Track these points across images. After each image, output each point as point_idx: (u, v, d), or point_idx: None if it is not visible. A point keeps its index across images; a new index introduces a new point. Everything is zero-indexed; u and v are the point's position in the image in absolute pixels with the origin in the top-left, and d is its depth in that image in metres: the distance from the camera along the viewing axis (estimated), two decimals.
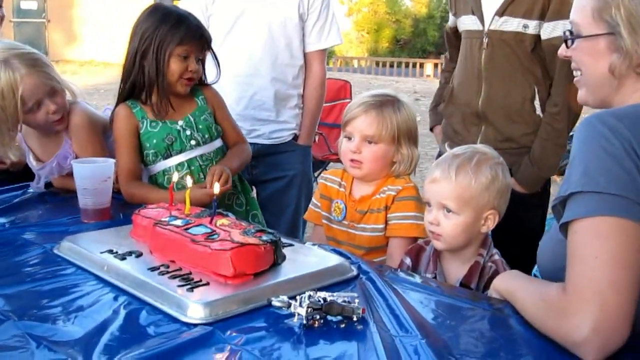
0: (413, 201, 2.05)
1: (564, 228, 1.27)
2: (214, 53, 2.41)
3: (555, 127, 2.44)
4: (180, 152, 2.28)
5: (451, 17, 2.80)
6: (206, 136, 2.31)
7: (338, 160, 5.86)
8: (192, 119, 2.30)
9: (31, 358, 1.16)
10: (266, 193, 2.98)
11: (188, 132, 2.28)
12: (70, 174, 2.18)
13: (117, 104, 2.31)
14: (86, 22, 21.38)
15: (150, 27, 2.20)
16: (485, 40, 2.49)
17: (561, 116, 2.44)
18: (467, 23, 2.59)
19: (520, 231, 2.30)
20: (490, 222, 1.79)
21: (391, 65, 22.28)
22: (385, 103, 2.07)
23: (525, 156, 2.49)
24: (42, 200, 2.32)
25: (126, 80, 2.27)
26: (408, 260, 1.91)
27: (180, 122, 2.28)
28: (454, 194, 1.73)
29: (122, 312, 1.35)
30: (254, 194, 2.83)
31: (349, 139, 2.10)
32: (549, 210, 2.50)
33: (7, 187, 2.40)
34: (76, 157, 2.30)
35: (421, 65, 21.98)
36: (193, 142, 2.29)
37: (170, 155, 2.28)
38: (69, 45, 21.27)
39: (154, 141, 2.26)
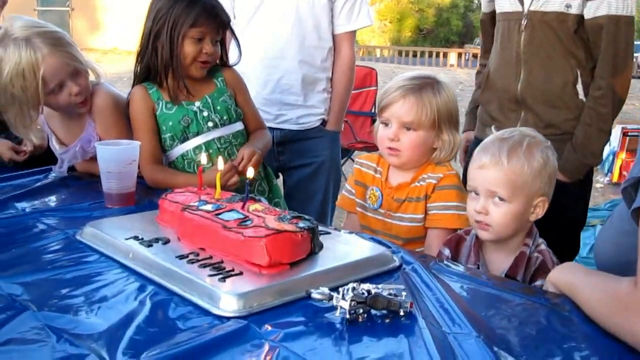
0: (455, 190, 1.94)
1: (636, 214, 1.15)
2: (234, 34, 2.32)
3: (599, 112, 2.34)
4: (197, 134, 2.18)
5: (485, 2, 2.68)
6: (224, 118, 2.21)
7: (363, 149, 5.78)
8: (209, 100, 2.21)
9: (51, 353, 1.06)
10: (293, 180, 2.89)
11: (205, 114, 2.19)
12: (93, 158, 2.10)
13: (132, 86, 2.24)
14: (110, 11, 21.45)
15: (164, 6, 2.12)
16: (524, 22, 2.38)
17: (605, 100, 2.33)
18: (504, 5, 2.48)
19: (562, 220, 2.19)
20: (539, 210, 1.68)
21: (414, 55, 22.09)
22: (424, 86, 1.95)
23: (567, 143, 2.37)
24: (64, 185, 2.25)
25: (140, 62, 2.20)
26: (447, 251, 1.81)
27: (197, 103, 2.19)
28: (506, 181, 1.62)
29: (149, 303, 1.25)
30: (278, 181, 2.74)
31: (386, 125, 1.99)
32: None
33: (28, 170, 2.33)
34: (100, 140, 2.22)
35: (444, 55, 21.76)
36: (210, 124, 2.19)
37: (187, 139, 2.19)
38: (93, 34, 21.34)
39: (170, 123, 2.18)
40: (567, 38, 2.34)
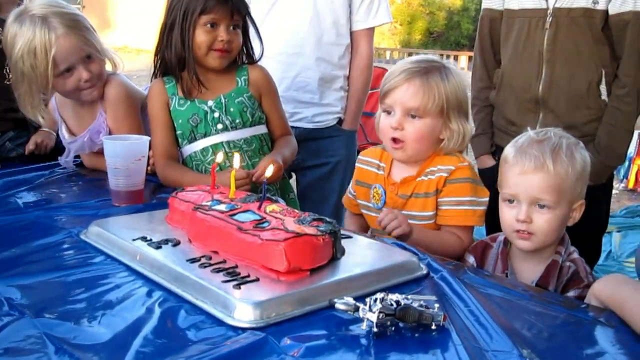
0: (468, 183, 1.78)
1: None
2: (254, 23, 2.18)
3: (624, 110, 2.29)
4: (205, 135, 2.08)
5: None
6: (237, 121, 2.08)
7: None
8: (223, 100, 2.08)
9: None
10: (307, 180, 2.79)
11: (216, 114, 2.07)
12: (101, 152, 2.01)
13: (151, 80, 2.16)
14: (120, 8, 21.45)
15: None
16: (549, 20, 2.30)
17: (630, 98, 2.28)
18: (526, 1, 2.38)
19: (585, 224, 2.10)
20: (577, 214, 1.61)
21: None
22: (431, 70, 1.79)
23: (588, 145, 2.27)
24: (70, 181, 2.17)
25: (157, 55, 2.11)
26: (472, 259, 1.71)
27: (210, 102, 2.08)
28: (552, 186, 1.52)
29: (157, 311, 1.15)
30: (291, 181, 2.64)
31: (389, 113, 1.82)
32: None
33: (33, 166, 2.25)
34: (110, 133, 2.17)
35: (455, 58, 21.53)
36: (220, 126, 2.07)
37: (195, 139, 2.09)
38: (103, 31, 21.30)
39: (180, 121, 2.09)
40: (593, 35, 2.27)
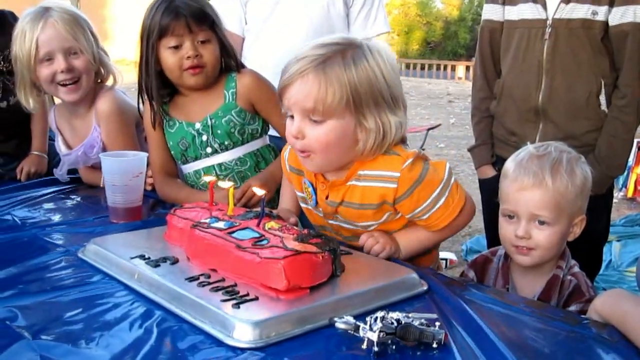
0: (425, 180, 1.50)
1: None
2: (223, 37, 2.01)
3: (624, 121, 2.29)
4: (196, 159, 2.05)
5: (495, 10, 2.53)
6: (226, 143, 2.02)
7: None
8: (210, 122, 2.00)
9: None
10: None
11: (204, 138, 2.01)
12: (98, 168, 2.00)
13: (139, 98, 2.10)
14: (118, 21, 21.44)
15: (144, 19, 1.95)
16: (548, 30, 2.30)
17: (630, 108, 2.28)
18: (524, 12, 2.39)
19: (586, 234, 2.09)
20: (577, 229, 1.59)
21: (422, 68, 21.97)
22: (332, 57, 1.44)
23: (588, 155, 2.27)
24: (67, 198, 2.16)
25: (139, 82, 2.03)
26: (472, 274, 1.69)
27: (198, 125, 2.01)
28: (552, 202, 1.50)
29: (155, 331, 1.14)
30: None
31: (291, 117, 1.52)
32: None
33: (29, 182, 2.23)
34: (104, 148, 2.16)
35: (452, 68, 21.65)
36: (209, 150, 2.02)
37: (187, 161, 2.07)
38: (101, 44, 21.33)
39: (171, 143, 2.06)
40: (592, 46, 2.27)
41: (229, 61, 2.05)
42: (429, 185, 1.50)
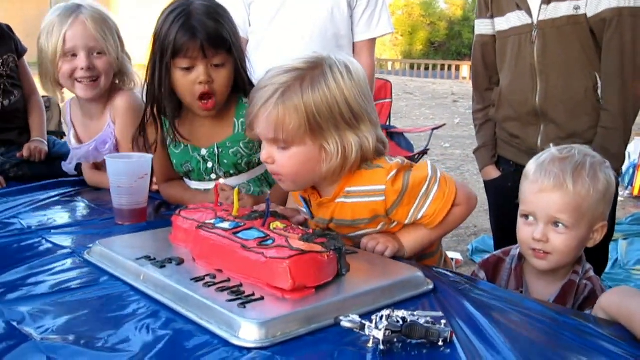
0: (410, 185, 1.51)
1: None
2: (239, 58, 1.94)
3: (609, 110, 2.26)
4: (199, 180, 2.06)
5: (484, 24, 2.57)
6: (231, 172, 2.01)
7: None
8: (217, 151, 1.97)
9: None
10: None
11: (209, 165, 2.00)
12: (103, 169, 2.01)
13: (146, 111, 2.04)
14: (125, 25, 21.51)
15: (157, 29, 1.87)
16: (534, 33, 2.32)
17: (615, 97, 2.25)
18: (512, 20, 2.41)
19: None
20: (598, 236, 1.54)
21: (426, 68, 21.97)
22: (291, 86, 1.46)
23: None
24: (72, 200, 2.16)
25: (147, 95, 1.99)
26: (482, 274, 1.67)
27: (204, 151, 1.99)
28: (571, 206, 1.47)
29: (162, 332, 1.13)
30: None
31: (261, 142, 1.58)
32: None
33: (34, 184, 2.24)
34: (117, 144, 2.20)
35: (457, 68, 21.63)
36: (213, 176, 2.02)
37: (190, 179, 2.08)
38: None
39: (174, 161, 2.05)
40: (581, 42, 2.26)
41: (241, 82, 1.97)
42: (415, 187, 1.52)
